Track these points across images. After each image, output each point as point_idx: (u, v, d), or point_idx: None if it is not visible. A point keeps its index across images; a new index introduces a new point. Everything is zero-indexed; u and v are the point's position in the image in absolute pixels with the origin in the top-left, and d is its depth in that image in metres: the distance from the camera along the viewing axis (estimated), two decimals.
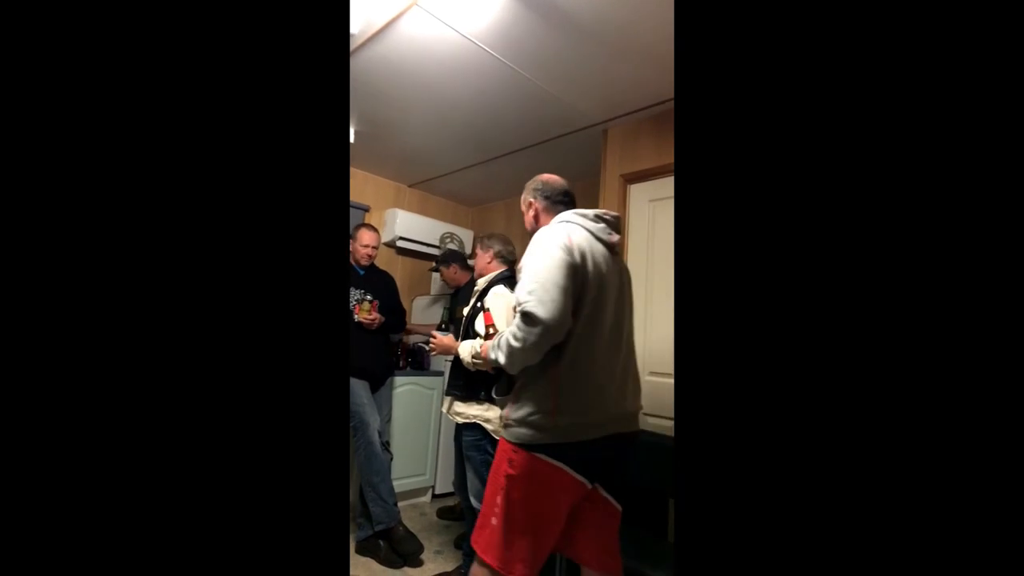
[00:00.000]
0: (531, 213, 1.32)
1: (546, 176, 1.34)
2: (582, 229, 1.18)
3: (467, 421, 1.68)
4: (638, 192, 2.16)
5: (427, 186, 3.38)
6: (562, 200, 1.30)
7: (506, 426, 1.14)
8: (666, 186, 2.05)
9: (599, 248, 1.17)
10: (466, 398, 1.69)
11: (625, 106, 2.08)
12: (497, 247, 1.83)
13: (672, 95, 1.95)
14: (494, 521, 1.12)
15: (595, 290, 1.11)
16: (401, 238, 3.17)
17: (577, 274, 1.08)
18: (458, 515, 2.50)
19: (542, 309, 1.01)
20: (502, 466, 1.13)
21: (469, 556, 1.64)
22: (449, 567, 1.98)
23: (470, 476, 1.70)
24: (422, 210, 3.41)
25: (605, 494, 1.18)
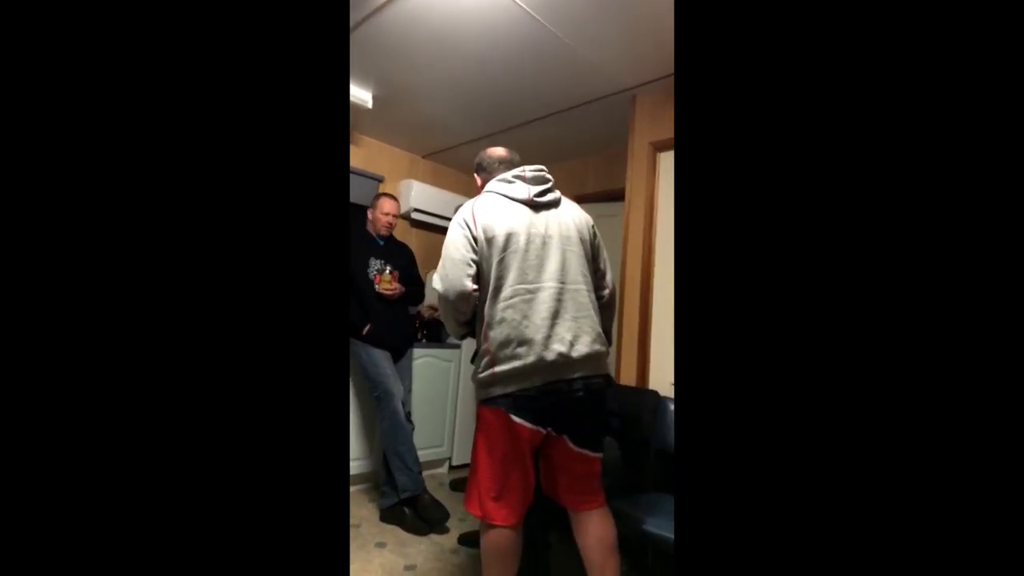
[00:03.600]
0: (478, 182, 1.43)
1: (488, 149, 1.43)
2: (496, 196, 1.28)
3: None
4: (667, 160, 2.11)
5: (441, 157, 3.31)
6: (498, 168, 1.36)
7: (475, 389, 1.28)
8: None
9: (513, 209, 1.25)
10: None
11: (657, 71, 2.02)
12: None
13: None
14: (474, 477, 1.25)
15: (501, 252, 1.21)
16: (416, 210, 3.12)
17: (476, 244, 1.22)
18: None
19: (439, 283, 1.25)
20: (476, 426, 1.27)
21: None
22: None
23: None
24: (436, 182, 3.35)
25: (570, 442, 1.22)
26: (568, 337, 1.18)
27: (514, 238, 1.21)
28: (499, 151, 1.41)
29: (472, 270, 1.22)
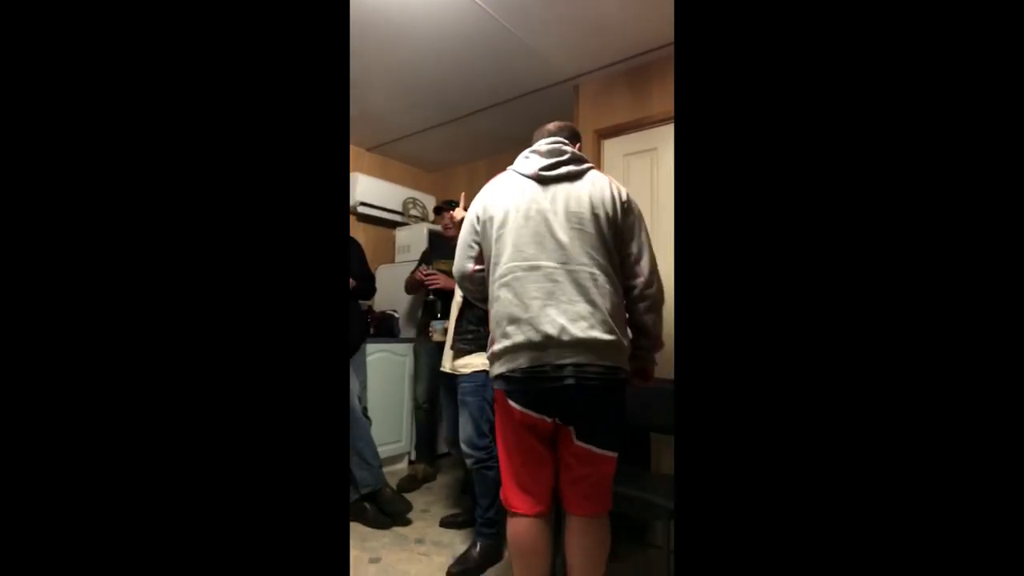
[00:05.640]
0: None
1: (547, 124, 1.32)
2: (509, 173, 1.25)
3: (475, 371, 1.69)
4: (612, 147, 2.19)
5: (386, 150, 3.26)
6: (536, 140, 1.28)
7: None
8: (641, 139, 2.10)
9: (518, 185, 1.19)
10: (475, 349, 1.69)
11: (599, 59, 2.09)
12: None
13: (649, 47, 1.98)
14: (500, 462, 1.22)
15: (497, 234, 1.18)
16: (363, 203, 3.05)
17: (477, 225, 1.24)
18: (419, 482, 2.51)
19: (453, 264, 1.32)
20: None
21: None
22: (435, 524, 2.00)
23: (462, 422, 1.71)
24: (383, 175, 3.29)
25: (574, 435, 1.14)
26: (560, 320, 1.08)
27: (511, 215, 1.16)
28: (551, 124, 1.31)
29: (474, 251, 1.24)
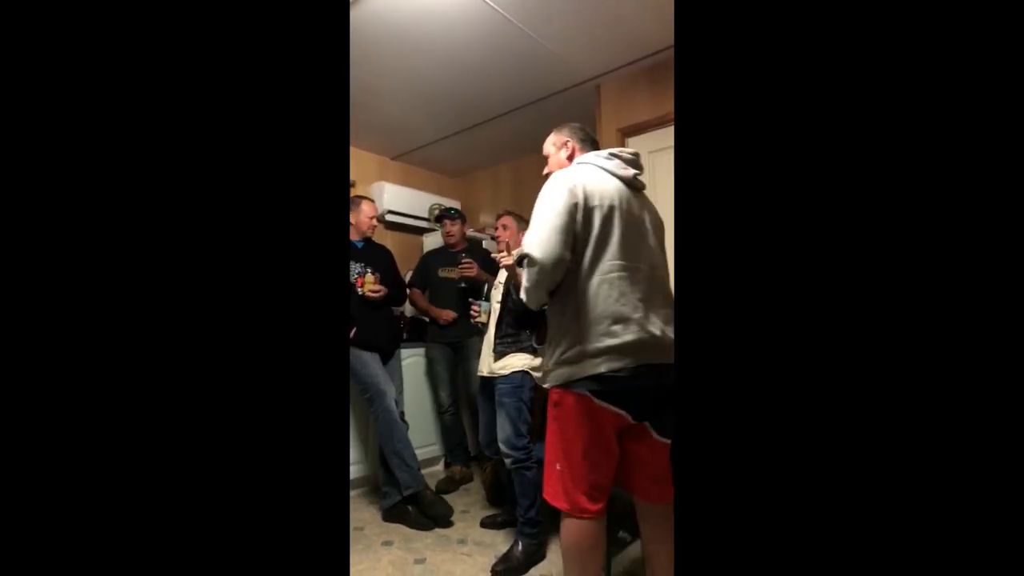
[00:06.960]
0: (564, 153, 1.33)
1: (568, 123, 1.39)
2: (595, 168, 1.22)
3: (512, 371, 1.71)
4: (636, 144, 2.19)
5: (410, 157, 3.31)
6: (590, 141, 1.34)
7: (546, 373, 1.21)
8: (665, 136, 2.09)
9: (613, 185, 1.19)
10: (514, 351, 1.72)
11: (620, 58, 2.09)
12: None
13: (669, 44, 1.97)
14: (557, 467, 1.17)
15: (601, 227, 1.14)
16: (390, 211, 3.11)
17: (578, 212, 1.13)
18: (457, 483, 2.54)
19: (537, 250, 1.11)
20: (549, 413, 1.20)
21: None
22: (476, 525, 2.03)
23: (500, 423, 1.74)
24: (407, 182, 3.35)
25: (653, 431, 1.17)
26: (658, 322, 1.13)
27: (615, 212, 1.15)
28: (579, 126, 1.37)
29: (571, 239, 1.13)
